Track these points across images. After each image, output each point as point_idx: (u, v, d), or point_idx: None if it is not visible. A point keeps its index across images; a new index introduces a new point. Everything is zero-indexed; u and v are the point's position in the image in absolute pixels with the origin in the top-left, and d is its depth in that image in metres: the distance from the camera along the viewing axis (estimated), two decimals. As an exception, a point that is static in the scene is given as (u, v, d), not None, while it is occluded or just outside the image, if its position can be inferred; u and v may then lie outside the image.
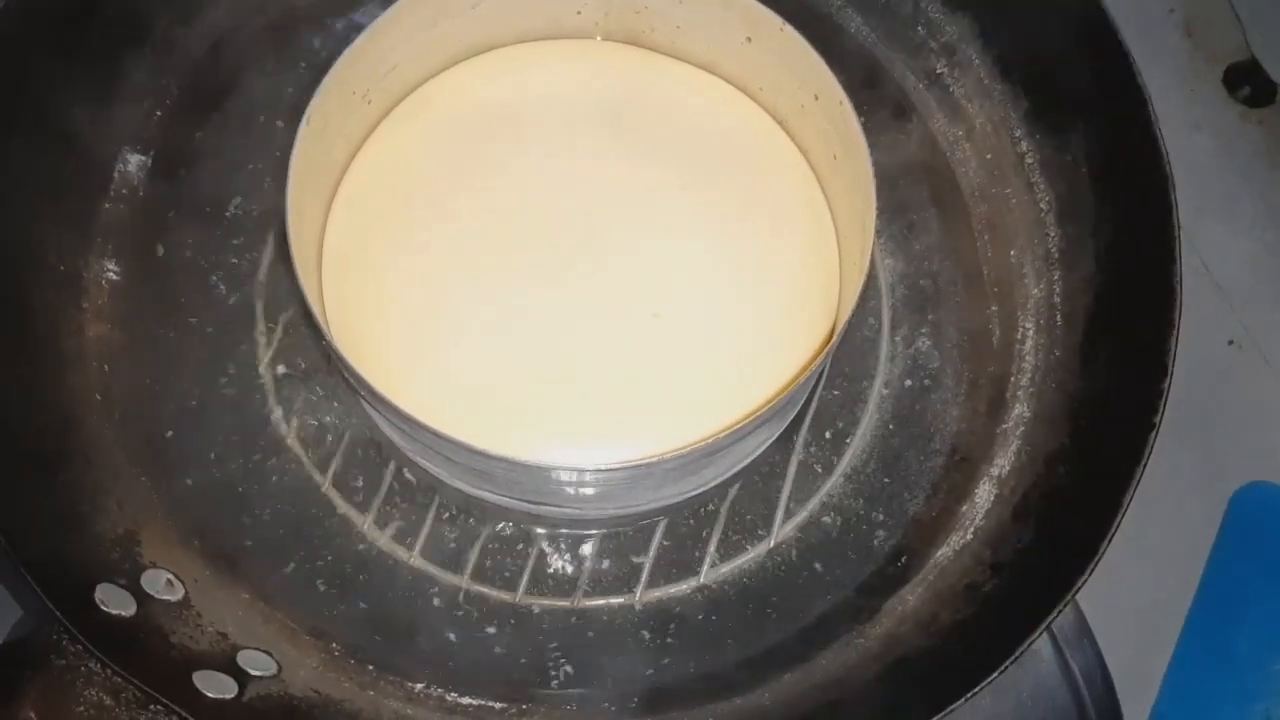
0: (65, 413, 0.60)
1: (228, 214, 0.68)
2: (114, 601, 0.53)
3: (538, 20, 0.69)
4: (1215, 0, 1.13)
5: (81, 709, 0.51)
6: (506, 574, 0.64)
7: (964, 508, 0.64)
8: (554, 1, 0.68)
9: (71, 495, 0.57)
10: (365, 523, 0.64)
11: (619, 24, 0.69)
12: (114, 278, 0.64)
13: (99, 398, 0.61)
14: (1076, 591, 0.54)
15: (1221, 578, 0.95)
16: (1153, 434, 0.56)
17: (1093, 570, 0.54)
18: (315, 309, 0.56)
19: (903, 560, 0.63)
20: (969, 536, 0.63)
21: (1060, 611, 0.54)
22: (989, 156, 0.71)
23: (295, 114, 0.65)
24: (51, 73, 0.62)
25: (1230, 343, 1.03)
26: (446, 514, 0.65)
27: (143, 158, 0.67)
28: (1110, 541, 0.54)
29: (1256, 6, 1.11)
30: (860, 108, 0.60)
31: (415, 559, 0.63)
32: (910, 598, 0.62)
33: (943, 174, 0.72)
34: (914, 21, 0.73)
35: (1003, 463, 0.65)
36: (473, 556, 0.64)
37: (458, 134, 0.67)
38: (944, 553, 0.63)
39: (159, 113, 0.67)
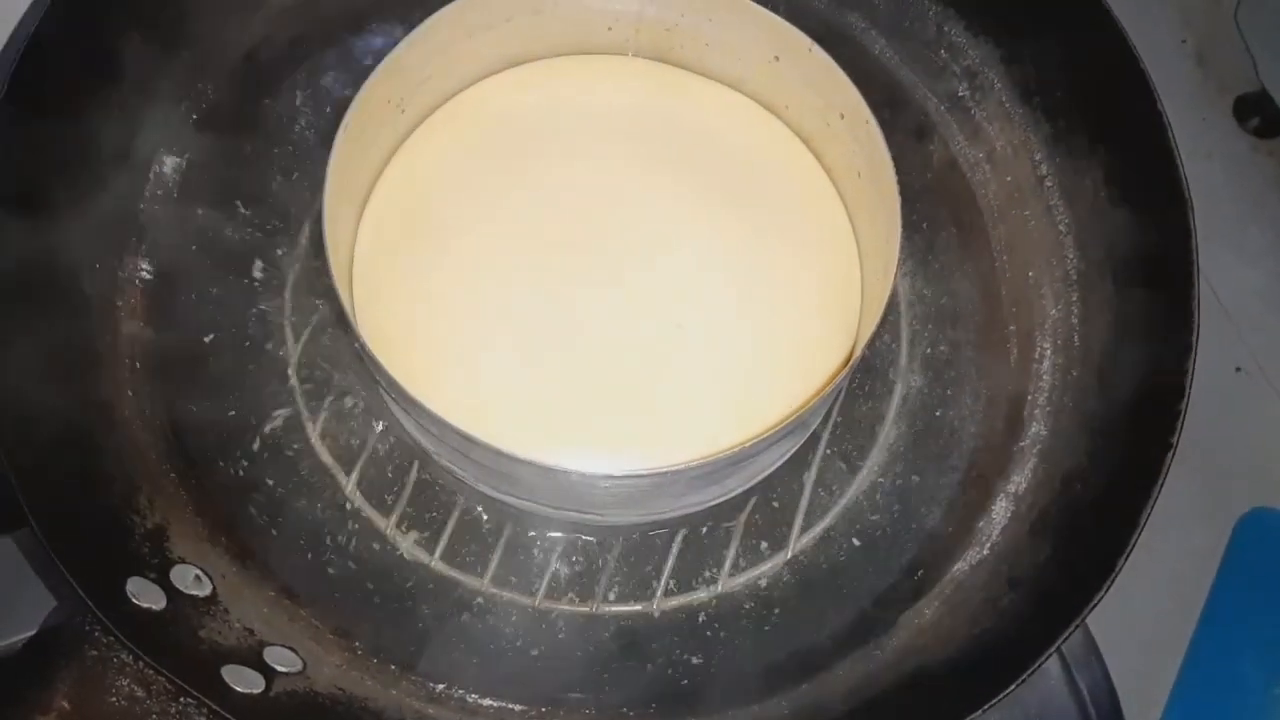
0: (98, 409, 0.61)
1: (260, 217, 0.69)
2: (144, 595, 0.54)
3: (570, 35, 0.70)
4: (1226, 32, 1.15)
5: (113, 699, 0.51)
6: (527, 578, 0.64)
7: (980, 524, 0.65)
8: (586, 18, 0.69)
9: (103, 490, 0.58)
10: (388, 525, 0.64)
11: (649, 41, 0.71)
12: (148, 277, 0.65)
13: (131, 394, 0.62)
14: (1093, 608, 0.55)
15: (1226, 602, 0.96)
16: (1170, 454, 0.57)
17: (1109, 587, 0.55)
18: (348, 310, 0.57)
19: (919, 574, 0.64)
20: (985, 552, 0.64)
21: (1076, 627, 0.55)
22: (1009, 179, 0.72)
23: (330, 120, 0.67)
24: (91, 76, 0.63)
25: (1238, 369, 1.04)
26: (469, 518, 0.65)
27: (178, 160, 0.67)
28: (1127, 559, 0.55)
29: (1266, 39, 1.12)
30: (883, 128, 0.62)
31: (436, 562, 0.64)
32: (927, 611, 0.63)
33: (963, 195, 0.73)
34: (937, 45, 0.74)
35: (1020, 480, 0.65)
36: (494, 561, 0.64)
37: (489, 144, 0.68)
38: (960, 568, 0.64)
39: (195, 116, 0.68)
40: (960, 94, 0.74)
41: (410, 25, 0.62)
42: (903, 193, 0.60)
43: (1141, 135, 0.64)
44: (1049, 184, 0.70)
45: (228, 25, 0.69)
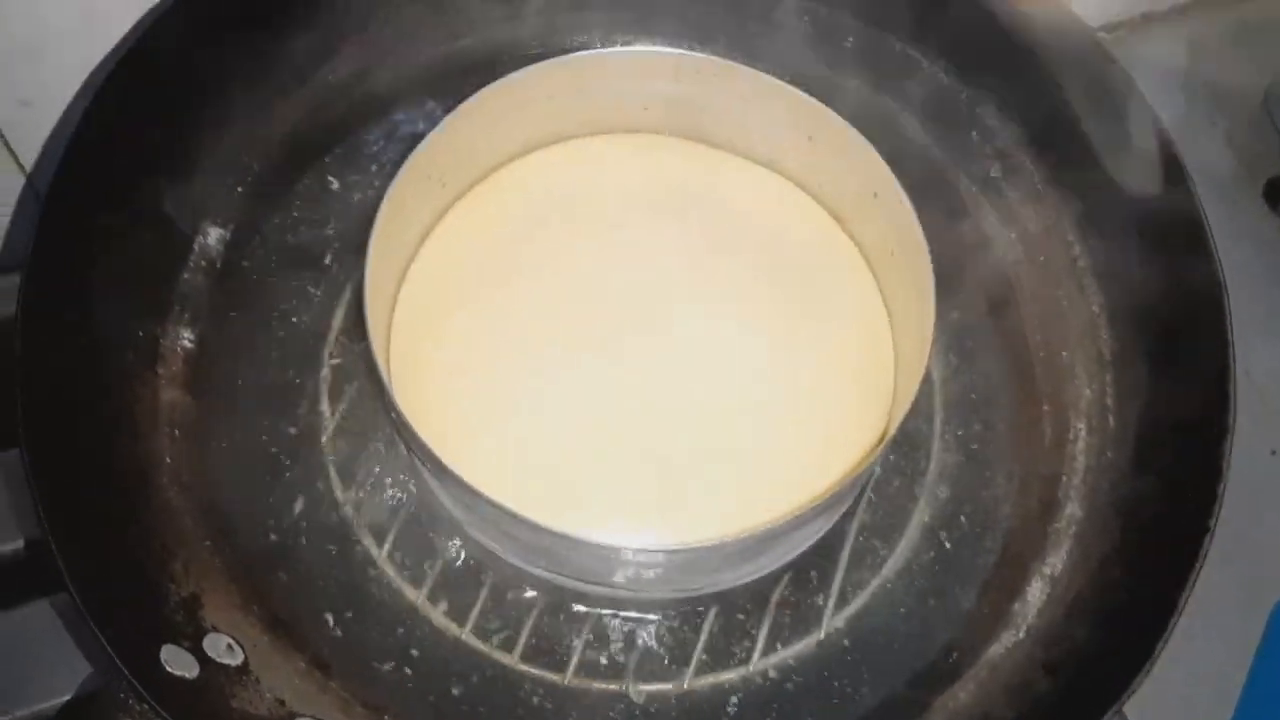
0: (136, 475, 0.61)
1: (299, 287, 0.70)
2: (178, 663, 0.54)
3: (607, 114, 0.71)
4: (1258, 115, 1.15)
5: (146, 766, 0.51)
6: (557, 655, 0.64)
7: (1016, 605, 0.64)
8: (622, 97, 0.71)
9: (139, 557, 0.58)
10: (419, 597, 0.64)
11: (684, 120, 0.72)
12: (189, 345, 0.66)
13: (168, 461, 0.63)
14: (1131, 694, 0.54)
15: (1261, 693, 0.94)
16: (1208, 537, 0.57)
17: (1148, 673, 0.54)
18: (385, 380, 0.58)
19: (954, 656, 0.63)
20: (1021, 635, 0.63)
21: (1114, 714, 0.54)
22: (1042, 259, 0.72)
23: (372, 194, 0.68)
24: (140, 150, 0.64)
25: (1273, 453, 1.03)
26: (500, 591, 0.65)
27: (222, 231, 0.69)
28: (1165, 644, 0.54)
29: (1298, 123, 1.13)
30: (916, 208, 0.62)
31: (466, 635, 0.64)
32: (961, 694, 0.62)
33: (996, 274, 0.73)
34: (969, 126, 0.75)
35: (1055, 561, 0.65)
36: (523, 635, 0.64)
37: (526, 219, 0.70)
38: (996, 650, 0.63)
39: (240, 189, 0.70)
40: (992, 174, 0.75)
41: (452, 101, 0.64)
42: (936, 272, 0.61)
43: (1174, 217, 0.64)
44: (1081, 264, 0.71)
45: (273, 100, 0.71)
